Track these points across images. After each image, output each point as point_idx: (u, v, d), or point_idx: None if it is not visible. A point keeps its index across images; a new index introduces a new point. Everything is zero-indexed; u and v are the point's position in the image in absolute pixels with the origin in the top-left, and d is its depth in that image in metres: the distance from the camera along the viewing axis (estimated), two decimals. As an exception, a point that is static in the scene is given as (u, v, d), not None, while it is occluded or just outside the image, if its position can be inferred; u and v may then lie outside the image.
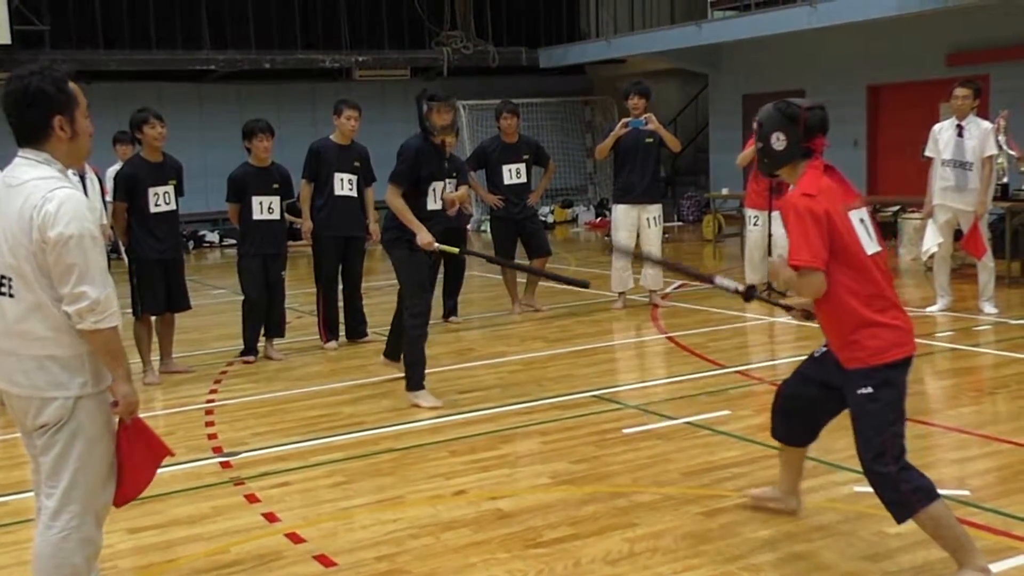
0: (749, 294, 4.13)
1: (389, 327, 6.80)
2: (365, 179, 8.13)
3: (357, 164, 8.04)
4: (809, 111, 3.59)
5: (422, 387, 6.15)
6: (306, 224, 7.98)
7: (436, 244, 6.09)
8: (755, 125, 3.72)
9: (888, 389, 3.44)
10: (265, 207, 7.52)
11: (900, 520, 3.46)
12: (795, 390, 3.90)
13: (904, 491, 3.39)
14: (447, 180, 6.44)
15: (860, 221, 3.51)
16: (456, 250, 6.45)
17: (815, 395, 3.78)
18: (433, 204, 6.25)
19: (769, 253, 9.37)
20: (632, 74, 16.72)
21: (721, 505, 4.30)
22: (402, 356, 6.28)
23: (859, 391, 3.46)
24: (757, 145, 3.71)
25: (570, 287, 7.06)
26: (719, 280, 4.19)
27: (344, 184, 7.94)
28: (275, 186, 7.57)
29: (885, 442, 3.42)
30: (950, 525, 3.41)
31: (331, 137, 8.06)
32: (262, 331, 7.74)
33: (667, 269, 6.14)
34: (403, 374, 6.27)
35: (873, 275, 3.47)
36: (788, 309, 3.94)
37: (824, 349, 3.72)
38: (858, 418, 3.49)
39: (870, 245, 3.49)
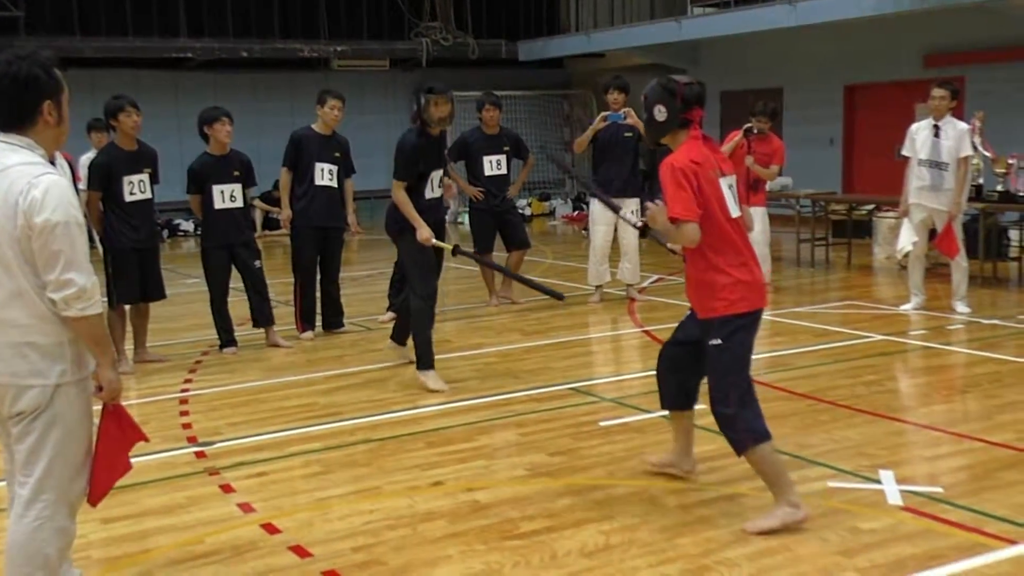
0: (644, 231, 4.60)
1: (394, 317, 6.99)
2: (345, 170, 8.10)
3: (338, 155, 8.01)
4: (687, 86, 4.02)
5: (432, 367, 6.30)
6: (285, 212, 7.94)
7: (433, 240, 6.27)
8: (642, 99, 4.11)
9: (735, 340, 3.91)
10: (227, 196, 7.45)
11: (738, 452, 3.99)
12: (668, 353, 4.36)
13: (739, 430, 3.92)
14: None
15: (728, 187, 3.99)
16: (449, 247, 6.62)
17: (683, 355, 4.21)
18: (431, 193, 6.39)
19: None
20: (611, 69, 16.72)
21: (697, 498, 4.32)
22: (411, 337, 6.43)
23: (711, 342, 3.93)
24: (643, 116, 4.11)
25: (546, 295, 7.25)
26: (624, 213, 5.15)
27: (324, 174, 7.91)
28: (235, 174, 7.50)
29: (728, 387, 3.92)
30: (773, 463, 3.95)
31: (313, 127, 8.01)
32: (252, 324, 7.75)
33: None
34: (393, 363, 6.28)
35: (731, 235, 3.93)
36: (673, 252, 4.39)
37: (689, 315, 4.17)
38: (709, 365, 3.97)
39: (734, 209, 3.97)
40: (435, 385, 6.26)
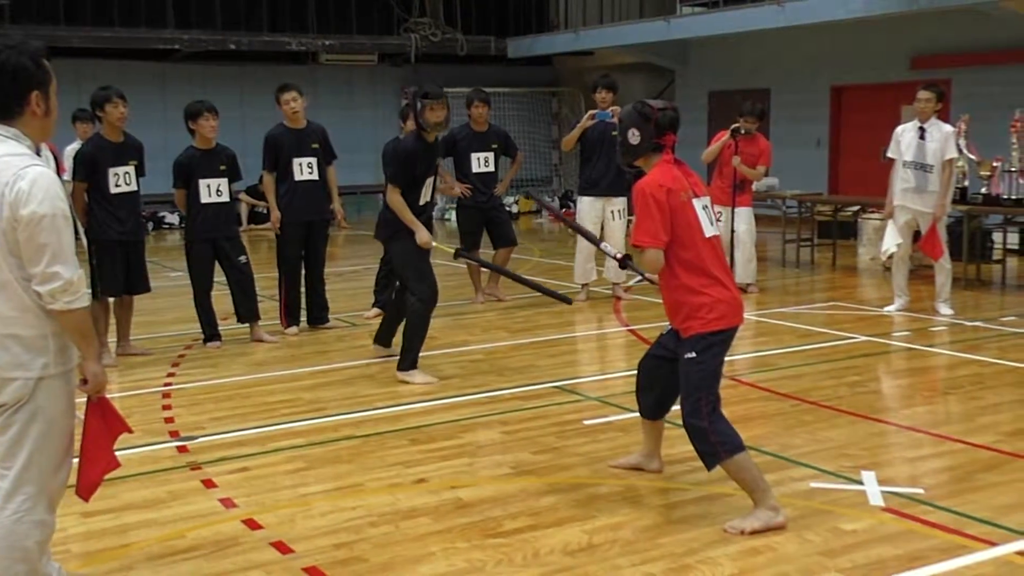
0: (624, 262, 4.84)
1: (379, 314, 7.14)
2: (326, 158, 8.02)
3: (316, 146, 7.90)
4: (661, 111, 4.08)
5: (415, 367, 6.36)
6: (274, 214, 7.82)
7: (434, 243, 6.37)
8: (617, 121, 4.23)
9: (709, 355, 3.98)
10: (213, 190, 7.41)
11: (709, 467, 4.03)
12: (647, 365, 4.41)
13: (712, 442, 3.95)
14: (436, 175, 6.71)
15: (703, 208, 4.06)
16: (451, 250, 6.68)
17: (662, 368, 4.26)
18: (424, 199, 6.47)
19: (731, 249, 9.44)
20: (599, 67, 16.74)
21: (680, 498, 4.33)
22: (402, 336, 6.50)
23: (686, 356, 4.01)
24: (618, 139, 4.23)
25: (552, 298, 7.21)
26: (604, 245, 5.02)
27: (304, 169, 7.84)
28: (222, 168, 7.45)
29: (700, 399, 3.97)
30: (749, 469, 3.98)
31: (284, 123, 7.89)
32: (238, 319, 7.72)
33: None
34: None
35: (706, 255, 4.01)
36: (652, 283, 4.48)
37: (669, 329, 4.23)
38: (682, 378, 4.03)
39: (709, 229, 4.04)
40: (422, 379, 6.30)
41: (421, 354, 6.57)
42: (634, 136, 4.07)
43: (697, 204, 4.03)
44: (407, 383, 6.30)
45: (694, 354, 3.98)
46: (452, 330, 8.09)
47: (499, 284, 9.39)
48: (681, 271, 3.99)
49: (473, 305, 9.10)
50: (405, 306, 6.51)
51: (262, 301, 7.97)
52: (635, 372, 4.54)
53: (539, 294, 7.44)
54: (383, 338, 7.01)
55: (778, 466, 4.68)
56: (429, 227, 6.58)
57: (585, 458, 4.88)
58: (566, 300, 6.75)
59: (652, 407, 4.44)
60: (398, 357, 6.50)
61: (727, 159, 9.32)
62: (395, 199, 6.27)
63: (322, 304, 8.18)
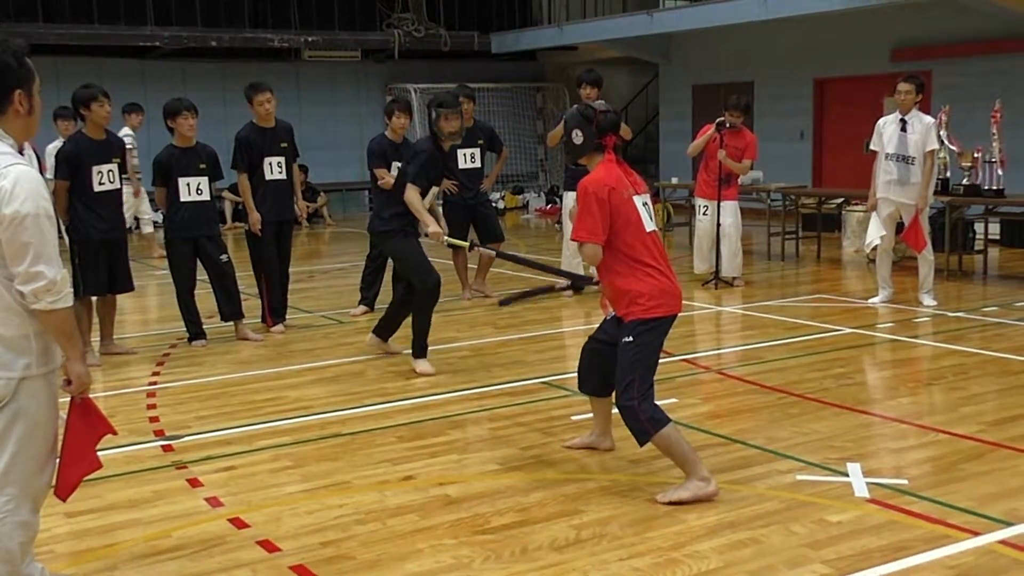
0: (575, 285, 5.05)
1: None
2: (293, 157, 7.92)
3: (284, 145, 7.82)
4: (603, 114, 4.34)
5: (424, 355, 6.52)
6: (254, 216, 7.67)
7: (446, 237, 6.50)
8: (561, 123, 4.44)
9: (645, 339, 4.22)
10: (193, 188, 7.36)
11: (641, 443, 4.26)
12: (590, 349, 4.64)
13: (642, 420, 4.19)
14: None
15: (643, 204, 4.31)
16: (466, 244, 6.89)
17: (605, 352, 4.47)
18: (428, 204, 6.65)
19: (717, 242, 9.47)
20: (583, 62, 16.73)
21: (666, 492, 4.33)
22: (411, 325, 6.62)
23: (624, 339, 4.24)
24: (562, 139, 4.47)
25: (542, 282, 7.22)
26: (560, 285, 5.03)
27: (274, 168, 7.75)
28: (201, 166, 7.40)
29: (633, 380, 4.20)
30: (678, 443, 4.21)
31: (254, 122, 7.78)
32: (222, 318, 7.68)
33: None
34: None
35: (647, 247, 4.26)
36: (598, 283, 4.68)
37: (612, 315, 4.47)
38: (619, 359, 4.25)
39: (648, 224, 4.30)
40: (422, 368, 6.45)
41: (408, 352, 6.57)
42: (578, 136, 4.33)
43: (638, 201, 4.28)
44: (415, 369, 6.45)
45: (631, 338, 4.21)
46: (439, 327, 8.04)
47: (486, 281, 9.38)
48: (625, 262, 4.23)
49: (460, 302, 9.09)
50: (410, 304, 6.56)
51: (246, 299, 7.94)
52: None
53: (542, 280, 7.36)
54: (381, 331, 6.95)
55: (764, 459, 4.70)
56: (415, 229, 6.56)
57: (573, 453, 4.88)
58: (587, 280, 6.80)
59: (597, 385, 4.63)
60: (388, 355, 6.80)
61: (712, 153, 9.33)
62: (412, 197, 6.27)
63: (283, 301, 8.10)
